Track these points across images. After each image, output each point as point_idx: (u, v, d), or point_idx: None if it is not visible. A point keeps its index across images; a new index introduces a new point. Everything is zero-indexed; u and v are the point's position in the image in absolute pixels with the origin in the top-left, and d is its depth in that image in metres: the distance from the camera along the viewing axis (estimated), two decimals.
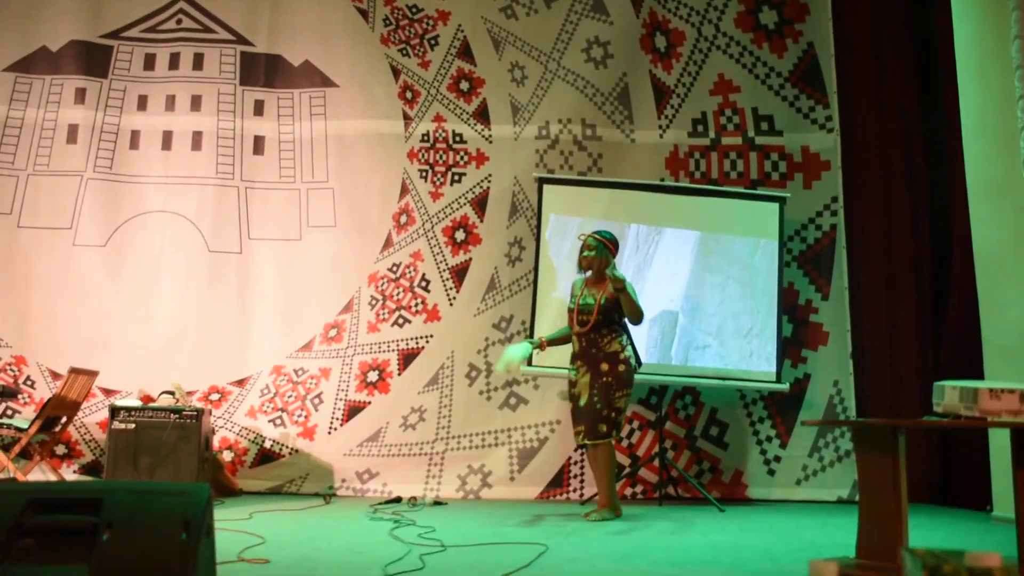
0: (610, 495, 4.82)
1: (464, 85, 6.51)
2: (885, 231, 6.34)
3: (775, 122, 6.43)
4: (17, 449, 5.42)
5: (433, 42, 6.53)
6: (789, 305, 6.21)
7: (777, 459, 6.14)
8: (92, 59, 6.46)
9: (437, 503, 5.60)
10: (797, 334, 6.25)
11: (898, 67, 6.45)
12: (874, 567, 2.73)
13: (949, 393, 2.95)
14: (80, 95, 6.42)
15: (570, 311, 4.97)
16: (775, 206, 6.07)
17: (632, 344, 4.95)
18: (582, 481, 6.08)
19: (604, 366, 4.79)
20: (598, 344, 4.84)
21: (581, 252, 4.98)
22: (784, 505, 5.82)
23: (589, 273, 4.98)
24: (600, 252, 4.92)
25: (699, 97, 6.47)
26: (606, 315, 4.83)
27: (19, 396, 6.01)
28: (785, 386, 5.94)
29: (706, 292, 6.00)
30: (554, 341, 5.09)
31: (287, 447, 6.12)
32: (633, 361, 4.90)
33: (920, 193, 6.34)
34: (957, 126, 5.49)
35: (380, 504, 5.43)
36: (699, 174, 6.43)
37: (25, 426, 5.45)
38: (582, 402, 4.82)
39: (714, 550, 3.76)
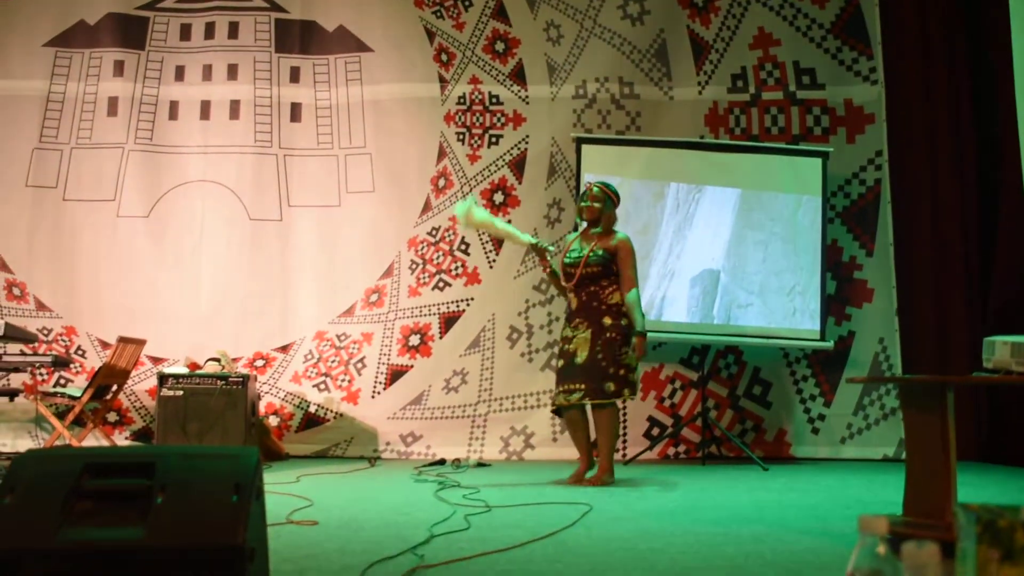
0: (611, 461, 4.55)
1: (499, 46, 6.45)
2: (931, 184, 6.20)
3: (817, 75, 6.30)
4: (71, 417, 5.56)
5: (467, 3, 6.47)
6: (833, 262, 6.12)
7: (821, 417, 6.10)
8: (129, 31, 6.50)
9: (481, 465, 5.65)
10: (841, 291, 6.17)
11: (944, 14, 6.26)
12: (922, 524, 2.70)
13: (1000, 348, 2.89)
14: (119, 67, 6.47)
15: (562, 267, 4.67)
16: (818, 161, 5.96)
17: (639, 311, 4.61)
18: (624, 441, 6.09)
19: (607, 320, 4.47)
20: (599, 296, 4.53)
21: (583, 201, 4.68)
22: (828, 464, 5.79)
23: (584, 225, 4.71)
24: (607, 206, 4.65)
25: (738, 52, 6.35)
26: (603, 265, 4.52)
27: (71, 365, 6.15)
28: (829, 344, 5.88)
29: (748, 250, 5.93)
30: (554, 273, 4.71)
31: (331, 411, 6.20)
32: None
33: (967, 144, 6.19)
34: (1007, 73, 5.32)
35: (424, 466, 5.49)
36: (739, 130, 6.33)
37: (78, 394, 5.58)
38: (579, 359, 4.46)
39: (759, 508, 3.75)
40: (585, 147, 6.07)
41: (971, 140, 6.19)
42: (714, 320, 5.89)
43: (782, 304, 5.90)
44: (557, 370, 4.70)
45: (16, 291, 6.33)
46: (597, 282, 4.55)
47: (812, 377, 6.14)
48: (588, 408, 4.63)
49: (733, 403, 6.16)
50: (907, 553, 1.02)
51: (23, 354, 5.78)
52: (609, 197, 4.68)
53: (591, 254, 4.55)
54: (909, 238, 6.17)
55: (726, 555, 2.66)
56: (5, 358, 5.54)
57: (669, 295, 5.93)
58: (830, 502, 3.96)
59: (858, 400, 6.08)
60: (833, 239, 6.15)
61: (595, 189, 4.69)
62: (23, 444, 6.07)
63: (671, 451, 6.10)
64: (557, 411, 4.73)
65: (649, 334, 5.89)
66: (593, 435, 4.71)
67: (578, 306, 4.59)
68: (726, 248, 5.93)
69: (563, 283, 4.66)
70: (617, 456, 6.00)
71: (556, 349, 5.16)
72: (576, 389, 4.49)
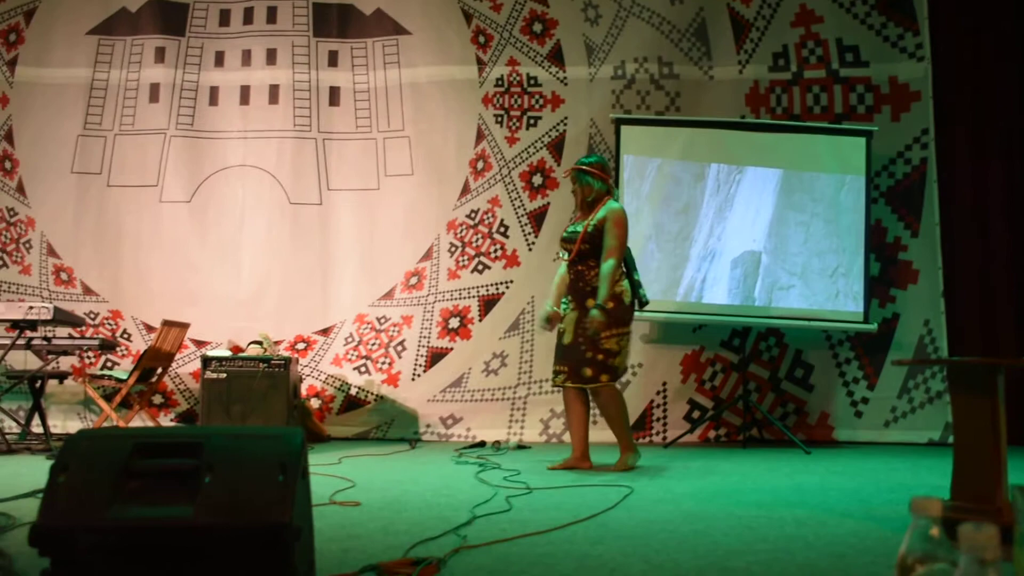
0: (628, 437, 4.44)
1: (537, 27, 6.41)
2: (978, 163, 6.07)
3: (861, 52, 6.18)
4: (118, 399, 5.66)
5: None
6: (877, 243, 6.02)
7: (865, 400, 6.02)
8: (169, 18, 6.56)
9: (521, 447, 5.66)
10: (885, 273, 6.07)
11: None
12: (971, 509, 2.66)
13: None
14: (160, 54, 6.54)
15: (560, 242, 4.60)
16: (861, 140, 5.86)
17: (631, 278, 4.50)
18: (665, 424, 6.06)
19: (590, 302, 4.35)
20: (584, 277, 4.42)
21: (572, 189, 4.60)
22: (872, 447, 5.72)
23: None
24: (581, 181, 4.50)
25: (780, 29, 6.25)
26: (592, 243, 4.39)
27: (117, 348, 6.26)
28: (873, 326, 5.79)
29: (790, 231, 5.86)
30: (559, 297, 4.60)
31: (372, 394, 6.25)
32: (628, 298, 4.41)
33: (1016, 122, 6.04)
34: None
35: (464, 448, 5.52)
36: (781, 110, 6.24)
37: (124, 377, 5.68)
38: (565, 340, 4.41)
39: (801, 492, 3.71)
40: (624, 128, 6.02)
41: (1020, 118, 6.04)
42: (755, 302, 5.83)
43: (824, 286, 5.82)
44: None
45: (64, 276, 6.45)
46: (584, 261, 4.43)
47: (855, 360, 6.07)
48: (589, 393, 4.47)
49: (774, 386, 6.10)
50: (964, 535, 1.00)
51: (71, 338, 5.90)
52: (584, 173, 4.51)
53: (591, 227, 4.41)
54: (955, 218, 6.06)
55: (769, 538, 2.64)
56: (55, 342, 5.65)
57: (710, 277, 5.88)
58: (874, 486, 3.91)
59: (903, 383, 5.99)
60: (877, 219, 6.05)
61: (572, 173, 4.57)
62: (72, 425, 6.21)
63: (712, 434, 6.07)
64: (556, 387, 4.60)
65: (690, 316, 5.88)
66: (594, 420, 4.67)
67: (570, 283, 4.52)
68: (767, 229, 5.87)
69: (563, 259, 4.55)
70: (657, 439, 6.01)
71: None
72: (560, 371, 4.44)
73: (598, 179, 4.51)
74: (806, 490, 3.77)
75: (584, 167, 4.54)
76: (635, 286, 4.50)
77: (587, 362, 4.33)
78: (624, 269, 4.48)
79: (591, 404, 4.53)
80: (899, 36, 6.15)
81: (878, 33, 6.17)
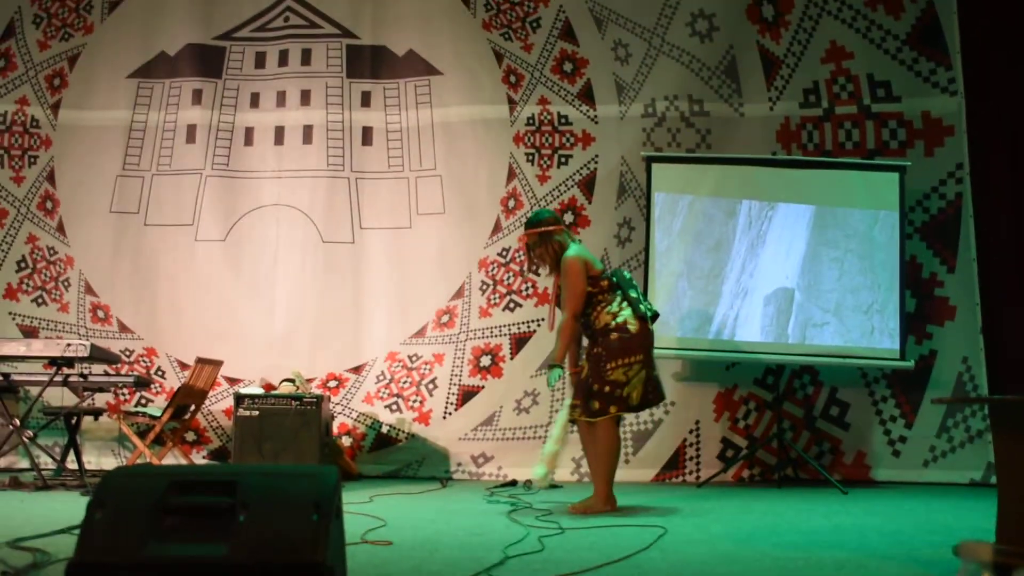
0: (607, 482, 4.27)
1: (568, 66, 6.47)
2: (1015, 197, 6.00)
3: (892, 88, 6.16)
4: (152, 436, 5.71)
5: (535, 24, 6.51)
6: (912, 279, 5.95)
7: (902, 439, 5.91)
8: (207, 61, 6.70)
9: (553, 486, 5.60)
10: (921, 309, 5.99)
11: None
12: (1019, 553, 2.58)
13: None
14: (197, 96, 6.67)
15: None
16: (894, 176, 5.82)
17: (631, 302, 4.32)
18: (698, 463, 5.99)
19: (597, 338, 4.32)
20: (587, 326, 4.38)
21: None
22: (911, 488, 5.60)
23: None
24: (538, 244, 4.42)
25: (810, 66, 6.25)
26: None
27: (151, 386, 6.32)
28: (910, 363, 5.70)
29: (823, 268, 5.81)
30: (572, 355, 4.56)
31: (403, 432, 6.24)
32: (633, 326, 4.25)
33: None
34: None
35: (496, 487, 5.48)
36: (812, 146, 6.22)
37: (158, 414, 5.72)
38: (583, 374, 4.37)
39: (839, 533, 3.64)
40: (655, 166, 6.03)
41: None
42: (788, 339, 5.77)
43: (859, 322, 5.75)
44: None
45: (100, 313, 6.54)
46: (583, 313, 4.36)
47: (892, 398, 5.97)
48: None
49: (809, 424, 6.02)
50: None
51: (107, 374, 5.97)
52: (536, 236, 4.42)
53: (557, 294, 4.40)
54: (992, 253, 5.97)
55: None
56: (91, 378, 5.72)
57: (742, 314, 5.83)
58: (914, 527, 3.82)
59: (941, 422, 5.88)
60: (912, 255, 5.99)
61: (521, 242, 4.52)
62: (107, 461, 6.26)
63: (746, 473, 5.98)
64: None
65: (722, 353, 5.83)
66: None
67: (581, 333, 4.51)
68: (800, 266, 5.82)
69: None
70: (690, 478, 5.94)
71: None
72: (575, 404, 4.36)
73: (546, 241, 4.40)
74: (844, 531, 3.70)
75: (533, 231, 4.44)
76: (636, 305, 4.30)
77: (594, 395, 4.25)
78: (622, 293, 4.34)
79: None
80: (931, 71, 6.12)
81: (910, 68, 6.15)
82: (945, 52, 6.10)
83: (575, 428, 4.45)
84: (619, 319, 4.27)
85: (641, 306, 4.31)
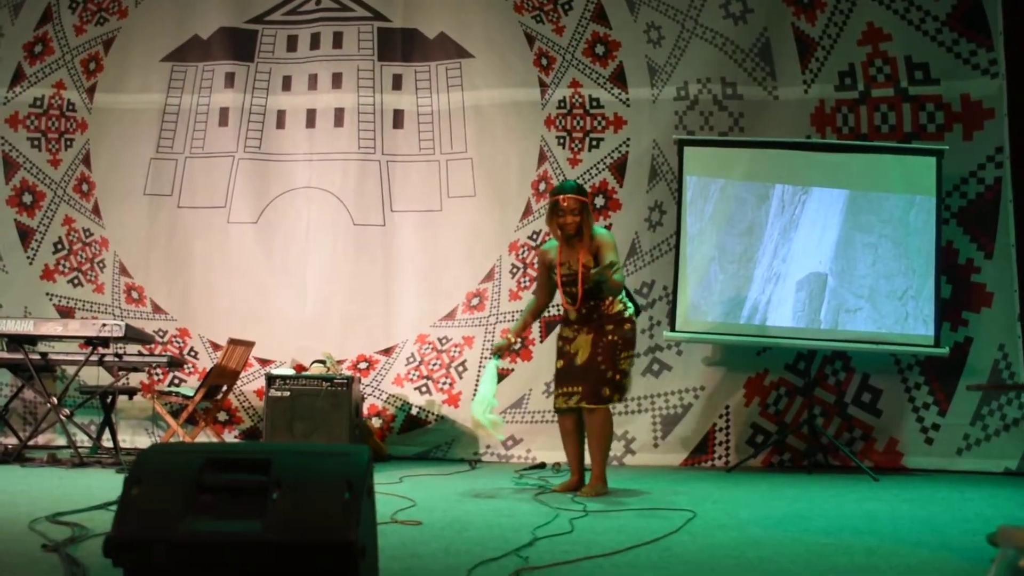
0: (604, 464, 4.38)
1: (599, 49, 6.42)
2: None
3: (931, 70, 6.04)
4: (185, 415, 5.79)
5: (567, 7, 6.46)
6: (948, 265, 5.86)
7: (936, 427, 5.85)
8: (239, 44, 6.73)
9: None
10: (957, 295, 5.90)
11: None
12: None
13: None
14: (229, 79, 6.70)
15: (560, 284, 4.45)
16: (931, 160, 5.73)
17: (630, 295, 4.50)
18: (727, 448, 5.97)
19: (609, 326, 4.33)
20: (599, 309, 4.37)
21: (557, 215, 4.37)
22: (944, 476, 5.54)
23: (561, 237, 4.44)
24: (587, 215, 4.38)
25: (846, 48, 6.15)
26: (596, 282, 4.28)
27: (184, 366, 6.40)
28: (944, 350, 5.62)
29: (857, 253, 5.74)
30: (525, 324, 4.69)
31: (433, 414, 6.27)
32: (635, 320, 4.44)
33: None
34: None
35: (525, 470, 5.50)
36: (847, 130, 6.13)
37: (191, 394, 5.80)
38: (579, 360, 4.33)
39: (870, 519, 3.62)
40: (687, 149, 5.98)
41: None
42: (821, 325, 5.72)
43: (893, 308, 5.68)
44: (556, 371, 4.52)
45: (135, 295, 6.63)
46: (596, 296, 4.36)
47: (925, 385, 5.90)
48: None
49: (841, 410, 5.96)
50: None
51: (141, 355, 6.05)
52: (585, 205, 4.39)
53: (586, 270, 4.32)
54: None
55: (839, 567, 2.58)
56: (125, 358, 5.81)
57: (774, 299, 5.78)
58: (947, 515, 3.79)
59: (976, 410, 5.80)
60: (948, 241, 5.90)
61: (570, 202, 4.33)
62: (141, 440, 6.36)
63: (775, 459, 5.95)
64: (559, 412, 4.53)
65: (753, 338, 5.79)
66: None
67: (578, 317, 4.43)
68: (834, 251, 5.76)
69: (566, 304, 4.46)
70: (719, 463, 5.92)
71: (556, 349, 4.61)
72: (574, 392, 4.35)
73: (587, 210, 4.40)
74: (876, 517, 3.67)
75: (584, 199, 4.41)
76: (634, 299, 4.52)
77: (607, 382, 4.28)
78: (625, 288, 4.47)
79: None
80: (972, 52, 6.00)
81: (949, 50, 6.03)
82: (987, 33, 5.97)
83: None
84: (629, 311, 4.42)
85: (637, 300, 4.54)
